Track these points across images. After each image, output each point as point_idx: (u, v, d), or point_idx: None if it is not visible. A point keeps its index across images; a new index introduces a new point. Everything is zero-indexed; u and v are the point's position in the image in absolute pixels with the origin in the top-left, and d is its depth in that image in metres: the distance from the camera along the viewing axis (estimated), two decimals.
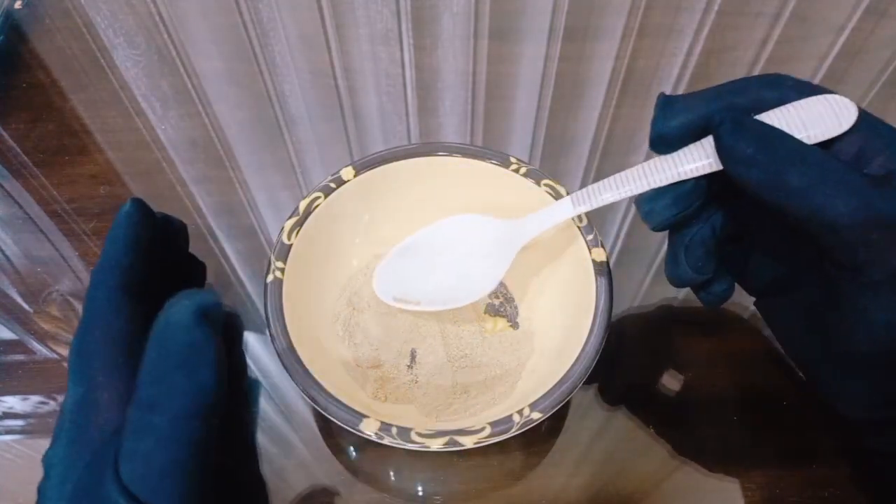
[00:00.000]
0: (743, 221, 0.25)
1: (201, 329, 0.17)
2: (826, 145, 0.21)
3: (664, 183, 0.23)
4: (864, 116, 0.21)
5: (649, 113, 0.42)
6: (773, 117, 0.21)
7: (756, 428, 0.29)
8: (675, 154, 0.23)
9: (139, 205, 0.24)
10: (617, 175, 0.24)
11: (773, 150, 0.20)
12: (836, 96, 0.20)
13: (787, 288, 0.25)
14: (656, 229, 0.25)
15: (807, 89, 0.21)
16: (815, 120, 0.20)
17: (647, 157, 0.38)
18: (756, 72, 0.41)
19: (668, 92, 0.24)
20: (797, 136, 0.21)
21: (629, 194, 0.24)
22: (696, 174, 0.22)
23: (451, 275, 0.29)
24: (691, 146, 0.22)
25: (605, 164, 0.38)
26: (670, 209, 0.23)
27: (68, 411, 0.19)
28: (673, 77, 0.41)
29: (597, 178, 0.37)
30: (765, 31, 0.43)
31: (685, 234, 0.25)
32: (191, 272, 0.28)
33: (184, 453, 0.18)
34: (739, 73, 0.41)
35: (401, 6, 0.44)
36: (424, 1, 0.44)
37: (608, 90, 0.41)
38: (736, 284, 0.27)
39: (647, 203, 0.24)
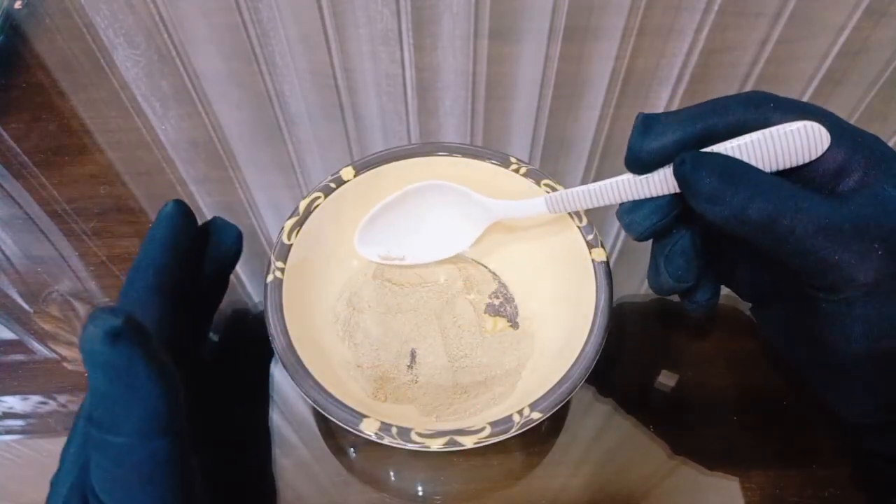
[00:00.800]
0: (722, 237, 0.25)
1: (118, 351, 0.17)
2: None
3: (635, 198, 0.24)
4: (846, 131, 0.21)
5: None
6: (745, 146, 0.21)
7: (756, 428, 0.29)
8: (648, 175, 0.23)
9: (180, 207, 0.24)
10: (592, 185, 0.25)
11: (732, 187, 0.20)
12: (810, 125, 0.21)
13: (771, 298, 0.26)
14: (638, 239, 0.25)
15: (788, 108, 0.21)
16: (787, 149, 0.21)
17: None
18: (756, 72, 0.42)
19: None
20: (769, 166, 0.21)
21: (600, 204, 0.25)
22: (664, 193, 0.23)
23: (429, 234, 0.31)
24: (664, 168, 0.23)
25: (605, 164, 0.38)
26: (649, 219, 0.24)
27: (86, 408, 0.20)
28: (673, 77, 0.41)
29: (596, 178, 0.37)
30: (765, 31, 0.43)
31: (665, 243, 0.25)
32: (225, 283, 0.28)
33: (146, 466, 0.18)
34: (739, 73, 0.42)
35: (401, 6, 0.44)
36: (424, 1, 0.44)
37: (608, 90, 0.41)
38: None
39: (627, 215, 0.25)
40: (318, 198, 0.28)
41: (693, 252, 0.24)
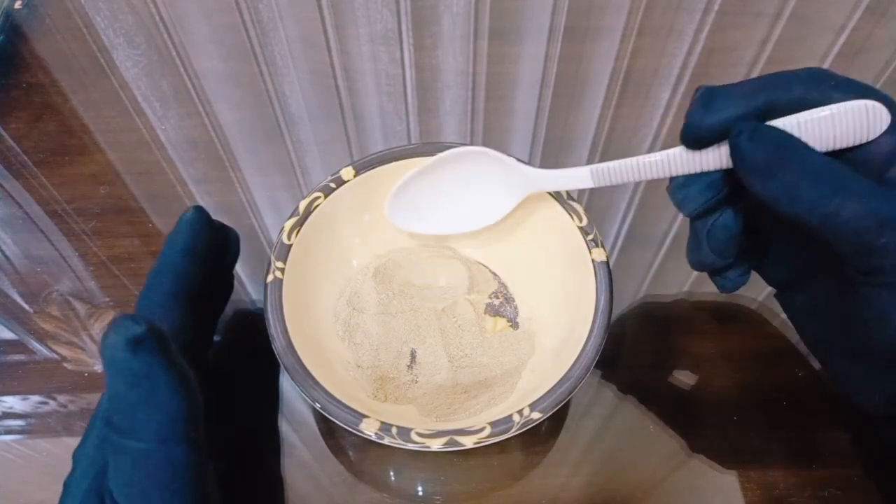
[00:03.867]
0: (763, 215, 0.25)
1: (139, 358, 0.17)
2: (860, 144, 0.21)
3: (684, 172, 0.23)
4: None
5: (649, 113, 0.42)
6: (804, 124, 0.21)
7: (756, 428, 0.29)
8: (701, 150, 0.23)
9: (200, 213, 0.25)
10: (641, 157, 0.24)
11: (784, 164, 0.20)
12: (871, 104, 0.20)
13: (805, 283, 0.25)
14: (691, 216, 0.25)
15: (849, 88, 0.21)
16: (844, 129, 0.21)
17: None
18: (756, 72, 0.42)
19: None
20: (825, 145, 0.21)
21: (648, 178, 0.24)
22: (715, 168, 0.23)
23: (463, 203, 0.30)
24: (718, 144, 0.22)
25: None
26: (703, 194, 0.24)
27: (103, 410, 0.20)
28: (673, 77, 0.41)
29: None
30: (765, 31, 0.43)
31: (708, 218, 0.25)
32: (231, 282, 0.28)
33: (165, 472, 0.18)
34: (739, 73, 0.42)
35: (401, 6, 0.44)
36: (424, 1, 0.44)
37: (608, 90, 0.41)
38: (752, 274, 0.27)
39: (680, 190, 0.24)
40: (318, 198, 0.28)
41: (735, 227, 0.24)
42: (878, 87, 0.21)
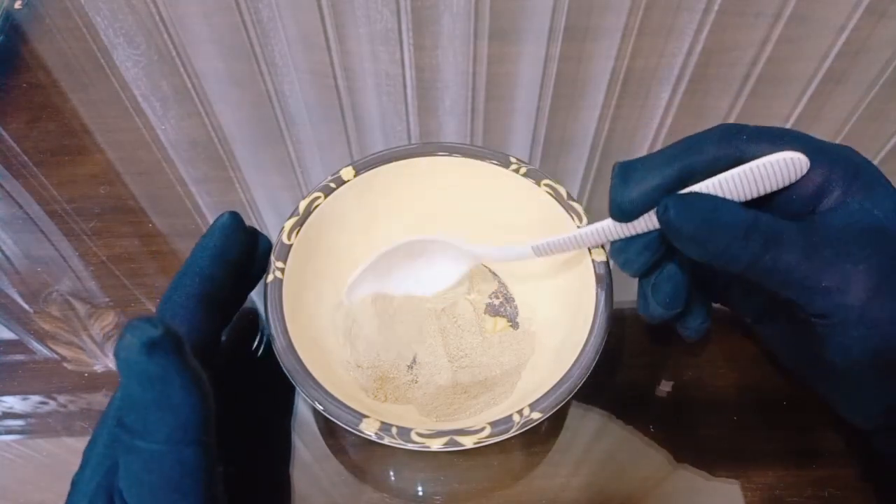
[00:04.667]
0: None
1: (154, 361, 0.17)
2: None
3: (625, 236, 0.24)
4: (823, 150, 0.21)
5: (649, 113, 0.42)
6: (726, 183, 0.21)
7: (756, 428, 0.29)
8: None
9: (235, 219, 0.25)
10: (578, 231, 0.25)
11: (715, 230, 0.21)
12: (789, 156, 0.21)
13: (772, 318, 0.26)
14: (635, 276, 0.25)
15: (761, 138, 0.22)
16: (766, 180, 0.21)
17: None
18: (756, 72, 0.42)
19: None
20: (748, 192, 0.21)
21: (586, 247, 0.26)
22: (650, 230, 0.23)
23: (414, 281, 0.30)
24: (651, 212, 0.23)
25: (605, 164, 0.38)
26: (643, 255, 0.24)
27: (115, 409, 0.20)
28: (673, 77, 0.41)
29: (597, 179, 0.37)
30: (765, 31, 0.43)
31: (651, 274, 0.25)
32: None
33: (175, 474, 0.18)
34: (739, 73, 0.42)
35: (401, 6, 0.44)
36: (424, 1, 0.44)
37: (608, 90, 0.41)
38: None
39: (620, 254, 0.25)
40: (318, 198, 0.28)
41: (681, 277, 0.24)
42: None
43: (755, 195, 0.22)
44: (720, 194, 0.22)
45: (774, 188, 0.21)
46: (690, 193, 0.22)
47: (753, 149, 0.21)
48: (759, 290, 0.24)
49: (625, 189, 0.22)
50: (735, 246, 0.20)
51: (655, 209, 0.22)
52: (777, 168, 0.21)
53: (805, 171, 0.21)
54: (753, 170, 0.21)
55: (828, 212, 0.21)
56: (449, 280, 0.30)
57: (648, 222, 0.23)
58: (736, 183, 0.21)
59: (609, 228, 0.24)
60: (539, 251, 0.27)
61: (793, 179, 0.21)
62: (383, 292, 0.30)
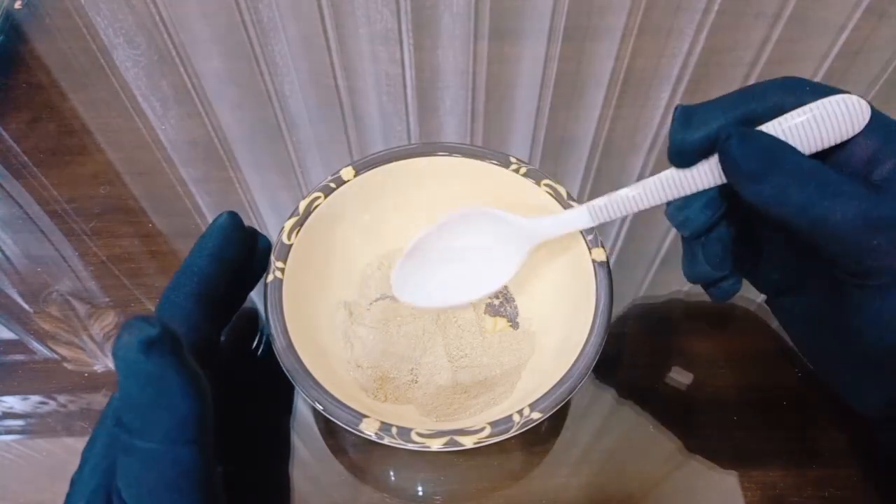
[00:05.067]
0: (755, 222, 0.25)
1: (151, 360, 0.17)
2: (840, 147, 0.21)
3: (680, 195, 0.23)
4: (879, 119, 0.21)
5: (649, 113, 0.42)
6: (788, 124, 0.21)
7: (756, 428, 0.29)
8: (691, 168, 0.23)
9: (233, 219, 0.25)
10: (633, 187, 0.24)
11: (774, 167, 0.20)
12: (851, 98, 0.21)
13: (798, 288, 0.25)
14: (693, 236, 0.25)
15: (824, 91, 0.21)
16: (827, 127, 0.21)
17: (647, 157, 0.38)
18: (756, 72, 0.42)
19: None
20: (810, 143, 0.21)
21: (646, 206, 0.24)
22: (710, 186, 0.23)
23: (465, 270, 0.28)
24: (707, 160, 0.22)
25: (605, 164, 0.38)
26: (704, 213, 0.24)
27: (114, 409, 0.20)
28: (673, 77, 0.41)
29: (597, 179, 0.37)
30: (765, 31, 0.43)
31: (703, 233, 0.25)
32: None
33: (173, 473, 0.18)
34: (739, 73, 0.42)
35: (401, 6, 0.44)
36: (424, 1, 0.44)
37: (608, 90, 0.41)
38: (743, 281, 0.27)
39: (679, 212, 0.24)
40: (318, 198, 0.28)
41: (730, 239, 0.24)
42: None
43: (817, 145, 0.21)
44: (783, 138, 0.21)
45: (835, 138, 0.21)
46: (753, 129, 0.21)
47: (814, 100, 0.21)
48: (796, 251, 0.24)
49: (686, 130, 0.22)
50: (792, 187, 0.20)
51: (714, 156, 0.22)
52: (837, 113, 0.20)
53: (866, 118, 0.21)
54: (815, 114, 0.21)
55: (883, 179, 0.21)
56: (503, 275, 0.28)
57: (709, 174, 0.22)
58: (798, 128, 0.21)
59: (668, 182, 0.23)
60: (595, 214, 0.25)
61: (854, 129, 0.21)
62: (431, 297, 0.28)
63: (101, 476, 0.19)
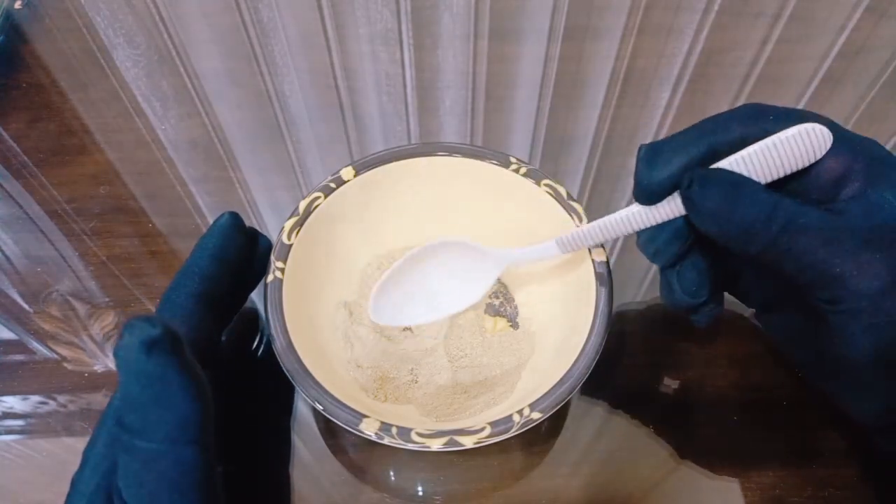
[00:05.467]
0: (726, 251, 0.25)
1: (153, 360, 0.17)
2: (806, 170, 0.22)
3: (646, 226, 0.24)
4: (844, 139, 0.21)
5: (649, 113, 0.42)
6: (748, 157, 0.21)
7: (756, 428, 0.29)
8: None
9: (234, 219, 0.25)
10: (601, 220, 0.25)
11: (735, 207, 0.21)
12: (814, 128, 0.21)
13: (779, 307, 0.26)
14: (665, 266, 0.25)
15: (787, 118, 0.21)
16: (789, 155, 0.21)
17: None
18: (756, 72, 0.42)
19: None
20: (773, 174, 0.21)
21: (612, 237, 0.25)
22: (674, 217, 0.23)
23: (438, 293, 0.29)
24: (671, 195, 0.23)
25: (605, 164, 0.38)
26: (673, 244, 0.24)
27: (115, 409, 0.20)
28: (673, 77, 0.41)
29: (597, 179, 0.37)
30: (765, 31, 0.43)
31: (676, 263, 0.25)
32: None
33: (174, 473, 0.18)
34: (739, 73, 0.42)
35: (401, 6, 0.44)
36: (424, 1, 0.44)
37: (608, 90, 0.41)
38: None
39: (650, 244, 0.25)
40: (318, 198, 0.28)
41: (705, 266, 0.24)
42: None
43: (779, 174, 0.21)
44: (744, 171, 0.21)
45: (798, 166, 0.21)
46: (715, 168, 0.22)
47: (779, 127, 0.21)
48: (771, 276, 0.24)
49: (651, 171, 0.22)
50: (756, 225, 0.20)
51: (679, 190, 0.22)
52: (800, 141, 0.21)
53: (828, 145, 0.21)
54: (776, 143, 0.21)
55: (848, 200, 0.21)
56: (474, 295, 0.29)
57: (674, 207, 0.23)
58: (760, 158, 0.21)
59: (635, 215, 0.24)
60: (564, 246, 0.26)
61: (816, 156, 0.21)
62: (405, 318, 0.29)
63: (102, 476, 0.19)
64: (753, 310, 0.28)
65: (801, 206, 0.21)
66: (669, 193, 0.23)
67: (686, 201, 0.22)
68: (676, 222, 0.23)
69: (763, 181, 0.22)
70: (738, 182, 0.21)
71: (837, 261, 0.20)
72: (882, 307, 0.20)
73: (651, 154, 0.23)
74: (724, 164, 0.22)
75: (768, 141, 0.21)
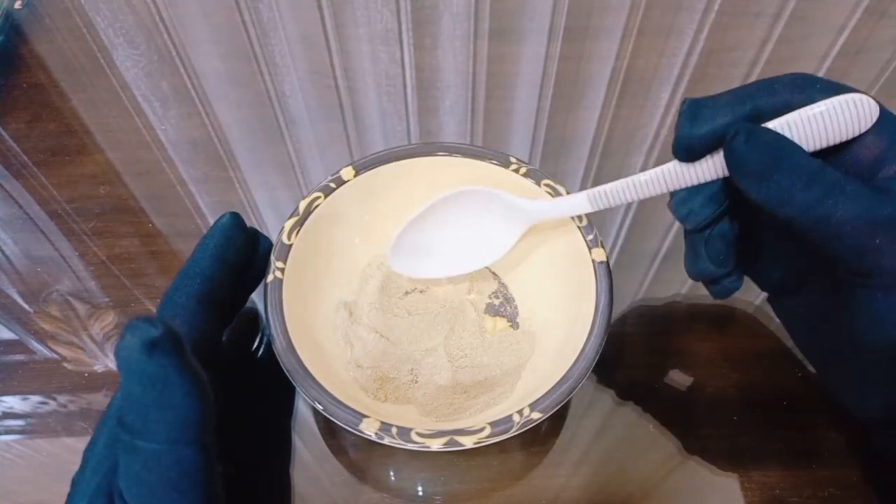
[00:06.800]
0: (757, 219, 0.25)
1: (154, 361, 0.17)
2: (847, 146, 0.21)
3: (680, 187, 0.23)
4: (888, 119, 0.21)
5: (649, 113, 0.42)
6: (794, 123, 0.21)
7: (756, 428, 0.29)
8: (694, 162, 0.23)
9: (236, 219, 0.25)
10: (636, 177, 0.24)
11: (779, 167, 0.20)
12: (861, 98, 0.20)
13: (799, 287, 0.25)
14: (695, 230, 0.25)
15: (833, 90, 0.21)
16: (835, 124, 0.21)
17: (647, 157, 0.38)
18: (756, 72, 0.42)
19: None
20: (817, 141, 0.21)
21: (646, 196, 0.24)
22: (713, 179, 0.22)
23: (460, 245, 0.29)
24: (711, 154, 0.22)
25: (605, 164, 0.38)
26: (707, 207, 0.24)
27: (116, 409, 0.20)
28: (673, 77, 0.41)
29: (597, 179, 0.37)
30: (765, 31, 0.43)
31: (705, 229, 0.25)
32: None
33: (175, 473, 0.18)
34: (739, 73, 0.42)
35: (401, 6, 0.44)
36: (424, 1, 0.44)
37: (608, 90, 0.41)
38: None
39: (683, 205, 0.24)
40: (318, 198, 0.28)
41: (732, 237, 0.24)
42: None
43: (821, 143, 0.21)
44: (789, 135, 0.21)
45: (841, 137, 0.21)
46: (760, 126, 0.21)
47: (825, 98, 0.21)
48: (794, 253, 0.23)
49: (693, 125, 0.22)
50: (797, 187, 0.20)
51: (720, 149, 0.22)
52: (845, 111, 0.20)
53: (874, 118, 0.20)
54: (823, 112, 0.20)
55: (888, 179, 0.21)
56: (496, 251, 0.29)
57: (712, 168, 0.22)
58: (805, 125, 0.21)
59: (671, 174, 0.23)
60: (595, 201, 0.25)
61: (861, 128, 0.21)
62: (425, 275, 0.29)
63: (103, 476, 0.19)
64: (757, 305, 0.28)
65: (846, 175, 0.20)
66: (711, 150, 0.22)
67: (730, 154, 0.21)
68: (713, 186, 0.23)
69: (806, 149, 0.21)
70: (783, 141, 0.21)
71: (876, 234, 0.20)
72: None
73: (695, 107, 0.22)
74: (768, 125, 0.21)
75: (815, 108, 0.21)
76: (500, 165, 0.29)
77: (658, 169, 0.23)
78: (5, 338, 0.32)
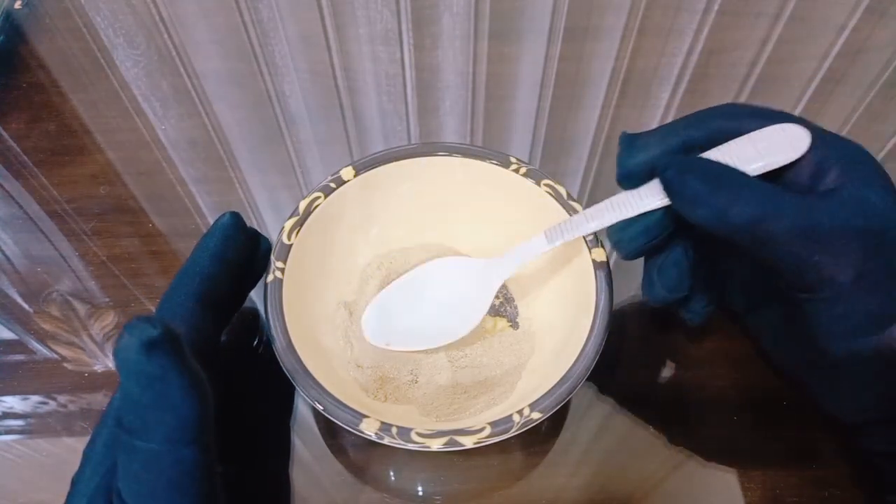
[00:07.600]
0: (712, 245, 0.25)
1: (153, 361, 0.17)
2: (784, 170, 0.22)
3: (632, 215, 0.24)
4: (820, 135, 0.22)
5: (649, 113, 0.42)
6: (730, 150, 0.22)
7: (756, 428, 0.29)
8: (639, 189, 0.24)
9: (236, 219, 0.25)
10: (588, 210, 0.25)
11: (713, 188, 0.21)
12: (790, 126, 0.21)
13: (760, 306, 0.26)
14: (627, 258, 0.25)
15: (763, 116, 0.22)
16: (770, 150, 0.21)
17: None
18: (756, 72, 0.42)
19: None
20: (753, 166, 0.22)
21: (601, 227, 0.25)
22: (658, 206, 0.23)
23: (437, 315, 0.29)
24: (655, 181, 0.23)
25: (605, 164, 0.38)
26: (639, 239, 0.24)
27: (115, 409, 0.20)
28: (673, 77, 0.41)
29: (597, 179, 0.37)
30: (765, 31, 0.43)
31: (657, 257, 0.25)
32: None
33: (174, 473, 0.18)
34: (739, 73, 0.42)
35: (401, 6, 0.44)
36: (424, 1, 0.44)
37: (608, 90, 0.41)
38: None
39: (616, 234, 0.25)
40: (318, 198, 0.28)
41: (686, 263, 0.25)
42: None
43: (757, 171, 0.22)
44: (723, 161, 0.22)
45: (774, 163, 0.21)
46: (690, 157, 0.22)
47: (755, 125, 0.22)
48: (755, 271, 0.24)
49: (630, 154, 0.23)
50: (733, 208, 0.20)
51: (659, 177, 0.23)
52: (777, 138, 0.21)
53: (806, 148, 0.21)
54: (754, 138, 0.21)
55: (825, 192, 0.21)
56: (476, 313, 0.28)
57: (655, 196, 0.23)
58: (737, 151, 0.22)
59: (617, 202, 0.24)
60: (552, 238, 0.26)
61: (792, 156, 0.21)
62: (403, 341, 0.29)
63: (102, 476, 0.19)
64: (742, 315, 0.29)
65: (781, 191, 0.21)
66: (647, 177, 0.23)
67: (665, 184, 0.22)
68: (650, 218, 0.24)
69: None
70: (714, 167, 0.22)
71: (814, 249, 0.20)
72: (857, 296, 0.20)
73: (630, 139, 0.24)
74: (705, 155, 0.22)
75: (747, 136, 0.21)
76: (500, 165, 0.29)
77: (608, 199, 0.25)
78: (5, 338, 0.32)
